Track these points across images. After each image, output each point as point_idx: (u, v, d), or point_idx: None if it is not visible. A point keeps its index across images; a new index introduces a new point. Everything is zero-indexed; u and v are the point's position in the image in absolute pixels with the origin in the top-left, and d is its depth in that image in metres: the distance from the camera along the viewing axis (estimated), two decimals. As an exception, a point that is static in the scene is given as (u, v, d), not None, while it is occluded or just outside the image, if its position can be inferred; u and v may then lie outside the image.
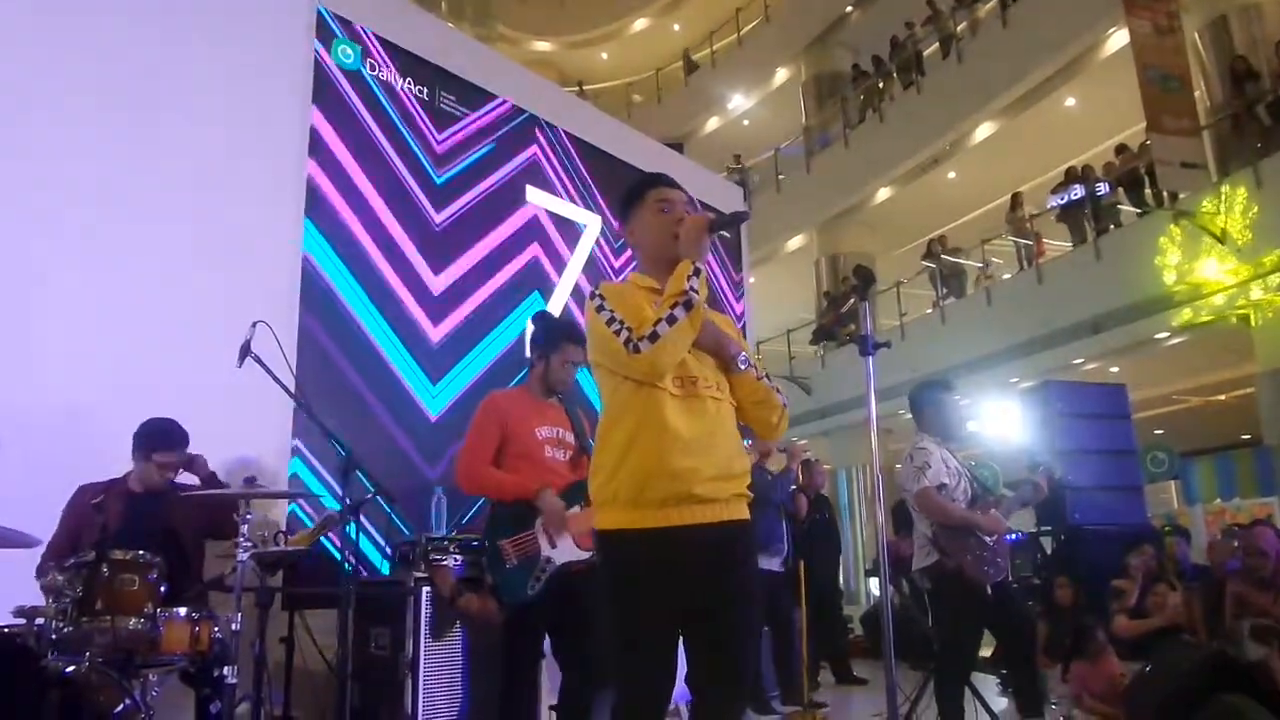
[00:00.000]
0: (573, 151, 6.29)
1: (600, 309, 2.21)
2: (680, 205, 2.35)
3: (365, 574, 4.24)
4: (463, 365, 5.19)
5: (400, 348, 4.92)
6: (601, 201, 6.42)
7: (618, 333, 2.14)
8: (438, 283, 5.19)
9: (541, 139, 6.04)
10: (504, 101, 5.81)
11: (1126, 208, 11.57)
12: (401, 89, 5.20)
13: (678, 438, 2.13)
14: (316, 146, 4.70)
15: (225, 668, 3.08)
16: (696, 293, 2.14)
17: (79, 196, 3.83)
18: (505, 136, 5.77)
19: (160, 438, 3.46)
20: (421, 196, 5.19)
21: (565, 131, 6.25)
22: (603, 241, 6.35)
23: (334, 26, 4.92)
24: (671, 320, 2.11)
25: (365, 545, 4.42)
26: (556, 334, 3.48)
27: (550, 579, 3.17)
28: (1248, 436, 13.33)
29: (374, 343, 4.81)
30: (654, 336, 2.09)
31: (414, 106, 5.25)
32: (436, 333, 5.13)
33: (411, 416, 4.90)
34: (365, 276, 4.82)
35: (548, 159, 6.05)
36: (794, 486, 6.03)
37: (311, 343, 4.50)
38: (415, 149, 5.21)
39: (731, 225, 2.49)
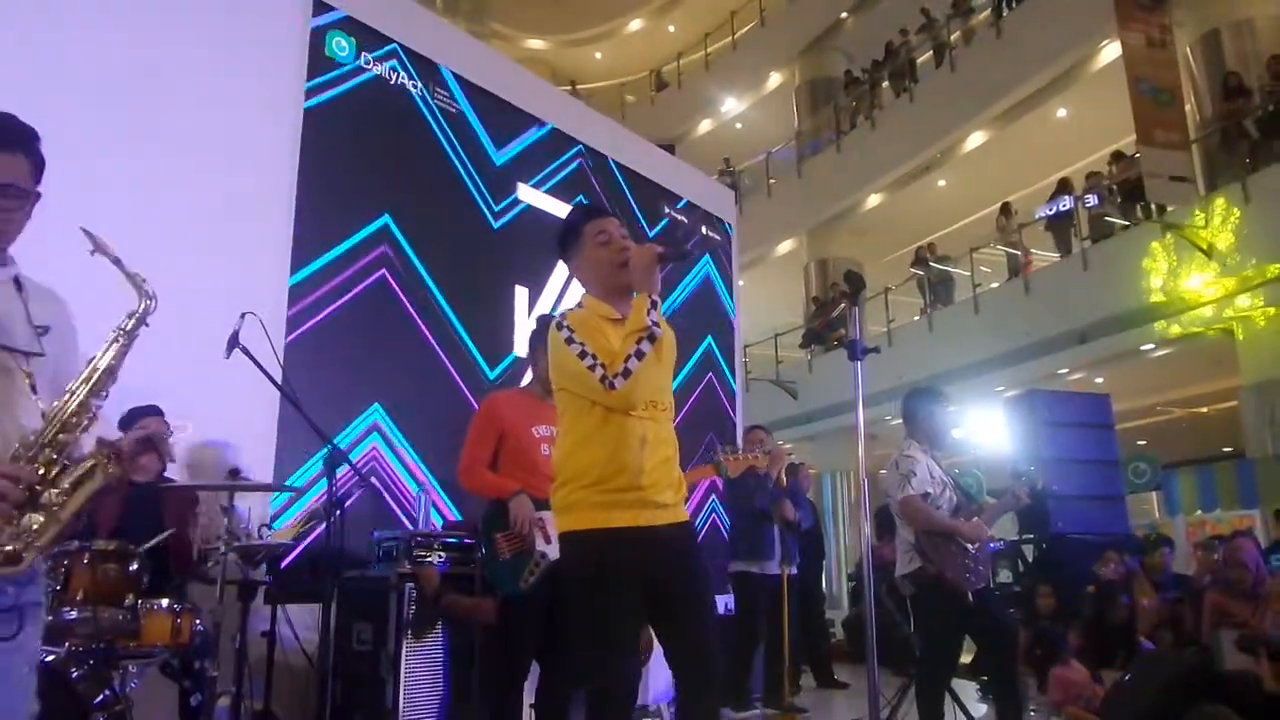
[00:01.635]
0: (575, 154, 6.29)
1: (570, 340, 2.37)
2: (617, 234, 2.51)
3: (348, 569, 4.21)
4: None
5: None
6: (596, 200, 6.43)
7: (592, 367, 2.32)
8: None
9: (539, 140, 6.03)
10: (500, 99, 5.79)
11: (1115, 220, 11.64)
12: (397, 84, 5.18)
13: (642, 453, 2.36)
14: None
15: (206, 660, 3.07)
16: (658, 325, 2.32)
17: (65, 183, 3.79)
18: (503, 135, 5.77)
19: (133, 416, 3.47)
20: (410, 192, 5.18)
21: (562, 131, 6.25)
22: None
23: (330, 18, 4.89)
24: (640, 355, 2.30)
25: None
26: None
27: (543, 575, 3.17)
28: (1230, 449, 13.43)
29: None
30: (627, 373, 2.29)
31: (411, 102, 5.23)
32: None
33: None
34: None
35: (551, 160, 6.05)
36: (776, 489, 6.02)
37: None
38: (413, 145, 5.19)
39: (681, 259, 2.57)
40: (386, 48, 5.17)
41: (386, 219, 4.97)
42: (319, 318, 4.58)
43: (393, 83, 5.17)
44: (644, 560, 2.34)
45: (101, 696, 2.70)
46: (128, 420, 3.48)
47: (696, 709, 2.38)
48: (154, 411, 3.51)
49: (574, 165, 6.32)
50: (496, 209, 5.65)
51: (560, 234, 2.63)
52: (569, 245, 2.57)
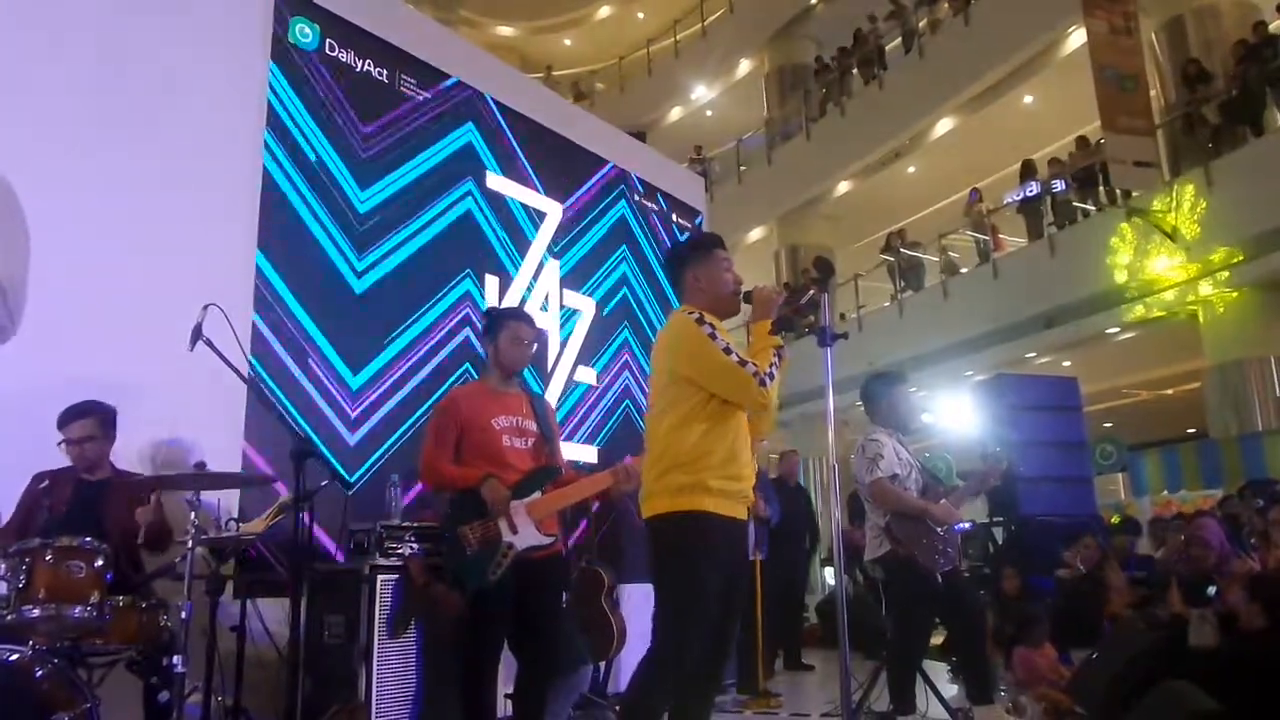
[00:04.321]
0: (537, 139, 6.24)
1: (714, 336, 2.60)
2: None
3: (319, 562, 4.17)
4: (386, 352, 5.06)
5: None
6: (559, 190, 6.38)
7: (742, 363, 2.57)
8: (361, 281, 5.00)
9: (509, 126, 5.98)
10: (468, 88, 5.73)
11: (1080, 205, 11.77)
12: (361, 71, 5.11)
13: (745, 450, 2.67)
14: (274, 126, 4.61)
15: (174, 657, 3.03)
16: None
17: (25, 174, 3.72)
18: (460, 119, 5.71)
19: (60, 419, 3.38)
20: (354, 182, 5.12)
21: (532, 118, 6.20)
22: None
23: (293, 4, 4.81)
24: (776, 367, 2.63)
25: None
26: (501, 316, 3.60)
27: (511, 565, 3.16)
28: (1194, 430, 13.65)
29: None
30: (771, 376, 2.60)
31: (374, 89, 5.16)
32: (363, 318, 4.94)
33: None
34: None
35: (514, 146, 5.99)
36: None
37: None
38: (374, 132, 5.13)
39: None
40: (351, 34, 5.10)
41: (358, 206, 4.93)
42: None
43: (358, 69, 5.10)
44: (734, 552, 2.65)
45: (67, 695, 2.66)
46: (61, 421, 3.39)
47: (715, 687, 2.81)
48: (87, 412, 3.40)
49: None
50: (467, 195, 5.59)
51: (689, 245, 3.01)
52: (696, 257, 2.85)
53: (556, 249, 6.22)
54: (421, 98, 5.43)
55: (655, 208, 7.32)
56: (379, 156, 5.12)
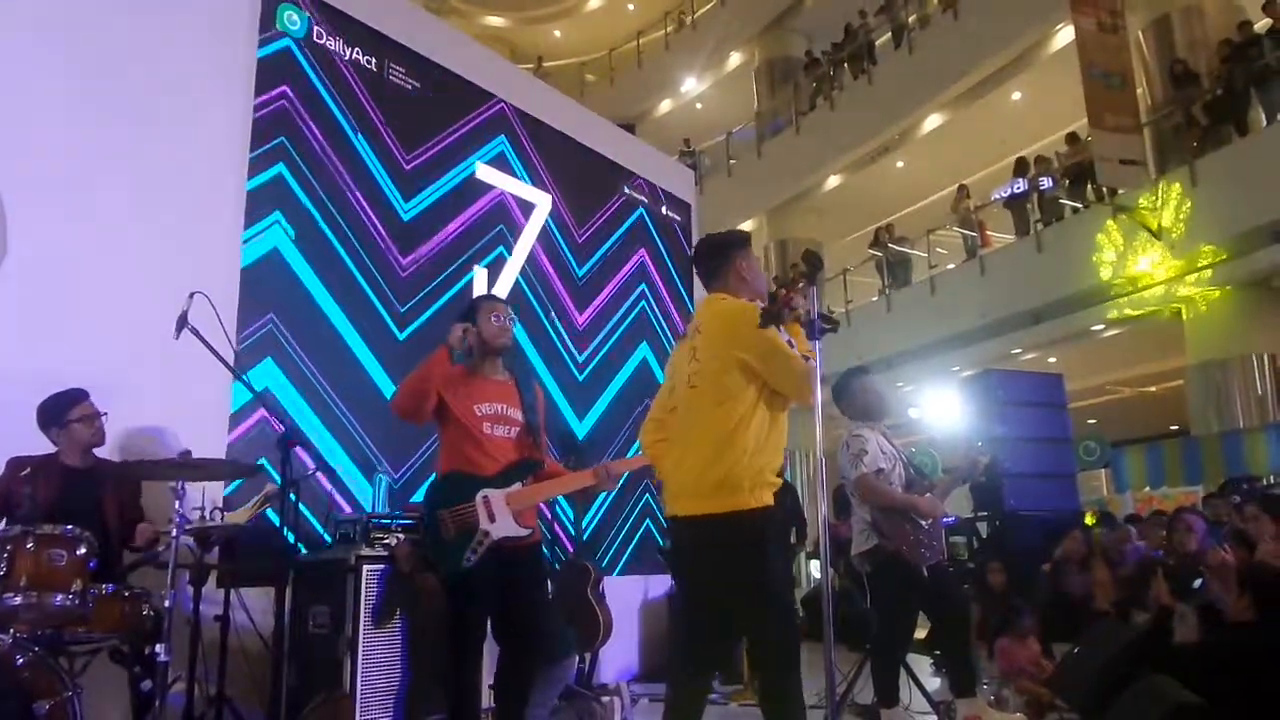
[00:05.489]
0: (527, 131, 6.21)
1: (779, 331, 2.57)
2: None
3: (304, 552, 4.15)
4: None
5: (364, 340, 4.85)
6: (550, 181, 6.36)
7: (802, 359, 2.56)
8: (404, 268, 5.12)
9: (495, 116, 5.95)
10: (458, 77, 5.71)
11: (1068, 202, 11.82)
12: (350, 59, 5.08)
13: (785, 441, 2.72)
14: (261, 116, 4.58)
15: (158, 646, 3.01)
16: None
17: (12, 161, 3.68)
18: (461, 113, 5.69)
19: (62, 402, 3.37)
20: (379, 175, 5.10)
21: (518, 109, 6.17)
22: (551, 221, 6.31)
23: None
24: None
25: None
26: (475, 301, 3.61)
27: (489, 553, 3.15)
28: (1176, 427, 13.74)
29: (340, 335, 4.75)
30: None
31: (362, 77, 5.13)
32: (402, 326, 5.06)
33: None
34: (328, 264, 4.75)
35: (502, 138, 5.97)
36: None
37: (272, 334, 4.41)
38: (358, 123, 5.09)
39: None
40: (339, 22, 5.07)
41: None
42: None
43: (347, 58, 5.07)
44: None
45: (47, 683, 2.64)
46: (54, 405, 3.36)
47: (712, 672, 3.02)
48: (85, 392, 3.42)
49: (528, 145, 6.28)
50: (455, 189, 5.58)
51: (727, 241, 2.95)
52: (734, 253, 2.87)
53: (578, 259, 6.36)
54: (411, 87, 5.40)
55: (645, 199, 7.31)
56: (380, 143, 5.12)
